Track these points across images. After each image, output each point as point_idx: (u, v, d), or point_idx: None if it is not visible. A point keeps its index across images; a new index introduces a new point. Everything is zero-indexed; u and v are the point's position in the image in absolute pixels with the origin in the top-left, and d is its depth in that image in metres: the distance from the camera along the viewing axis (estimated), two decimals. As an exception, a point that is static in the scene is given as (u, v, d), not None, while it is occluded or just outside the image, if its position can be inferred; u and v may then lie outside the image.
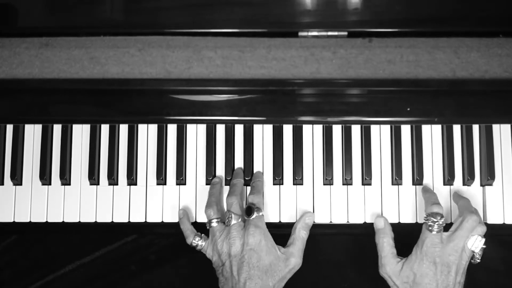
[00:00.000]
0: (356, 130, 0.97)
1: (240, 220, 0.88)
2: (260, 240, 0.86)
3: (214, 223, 0.90)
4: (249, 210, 0.88)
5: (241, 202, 0.91)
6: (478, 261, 0.87)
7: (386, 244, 0.88)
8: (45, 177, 0.96)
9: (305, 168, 0.96)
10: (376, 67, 0.93)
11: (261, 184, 0.94)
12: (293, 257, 0.88)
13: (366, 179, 0.95)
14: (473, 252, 0.86)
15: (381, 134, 0.97)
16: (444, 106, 0.94)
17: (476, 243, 0.85)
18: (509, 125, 0.96)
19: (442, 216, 0.86)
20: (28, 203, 0.96)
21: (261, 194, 0.92)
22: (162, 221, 0.96)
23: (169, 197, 0.96)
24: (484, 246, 0.86)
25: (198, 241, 0.90)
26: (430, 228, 0.85)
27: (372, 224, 0.94)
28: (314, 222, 0.93)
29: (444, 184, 0.96)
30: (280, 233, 0.93)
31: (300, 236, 0.90)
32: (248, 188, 0.95)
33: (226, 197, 0.92)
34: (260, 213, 0.89)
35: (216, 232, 0.89)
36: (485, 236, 0.87)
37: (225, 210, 0.92)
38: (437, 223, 0.85)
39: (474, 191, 0.95)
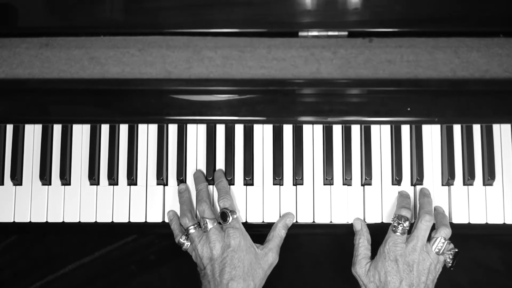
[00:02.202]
0: (356, 130, 0.97)
1: (215, 223, 0.90)
2: (240, 241, 0.88)
3: (192, 230, 0.90)
4: (224, 215, 0.89)
5: (211, 206, 0.92)
6: (449, 265, 0.88)
7: (361, 245, 0.91)
8: (45, 177, 0.96)
9: (305, 168, 0.96)
10: (376, 67, 0.93)
11: (226, 184, 0.94)
12: (271, 252, 0.90)
13: (366, 179, 0.95)
14: (438, 255, 0.87)
15: (381, 134, 0.97)
16: (444, 106, 0.94)
17: (439, 245, 0.87)
18: (509, 125, 0.96)
19: (407, 220, 0.89)
20: (28, 203, 0.96)
21: (230, 195, 0.93)
22: (162, 221, 0.96)
23: (170, 197, 0.96)
24: (456, 250, 0.88)
25: (184, 240, 0.92)
26: (394, 229, 0.88)
27: (372, 224, 0.94)
28: (315, 222, 0.95)
29: (444, 184, 0.96)
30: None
31: (279, 234, 0.92)
32: (249, 187, 0.96)
33: (196, 205, 0.93)
34: (235, 216, 0.90)
35: (195, 238, 0.90)
36: (451, 239, 0.89)
37: (199, 217, 0.92)
38: (401, 225, 0.88)
39: (474, 191, 0.95)
